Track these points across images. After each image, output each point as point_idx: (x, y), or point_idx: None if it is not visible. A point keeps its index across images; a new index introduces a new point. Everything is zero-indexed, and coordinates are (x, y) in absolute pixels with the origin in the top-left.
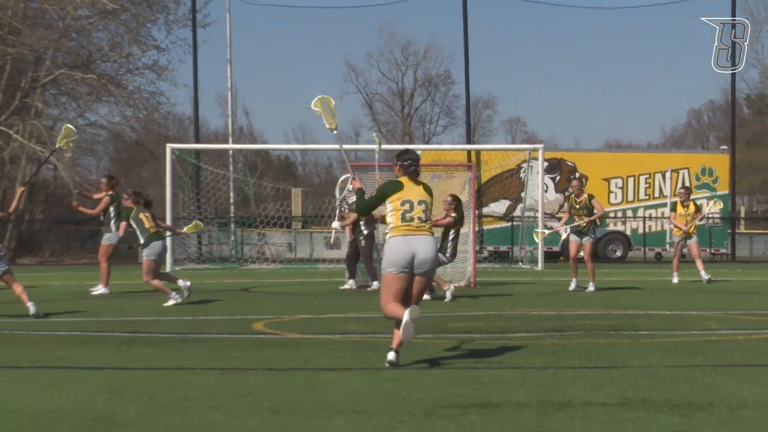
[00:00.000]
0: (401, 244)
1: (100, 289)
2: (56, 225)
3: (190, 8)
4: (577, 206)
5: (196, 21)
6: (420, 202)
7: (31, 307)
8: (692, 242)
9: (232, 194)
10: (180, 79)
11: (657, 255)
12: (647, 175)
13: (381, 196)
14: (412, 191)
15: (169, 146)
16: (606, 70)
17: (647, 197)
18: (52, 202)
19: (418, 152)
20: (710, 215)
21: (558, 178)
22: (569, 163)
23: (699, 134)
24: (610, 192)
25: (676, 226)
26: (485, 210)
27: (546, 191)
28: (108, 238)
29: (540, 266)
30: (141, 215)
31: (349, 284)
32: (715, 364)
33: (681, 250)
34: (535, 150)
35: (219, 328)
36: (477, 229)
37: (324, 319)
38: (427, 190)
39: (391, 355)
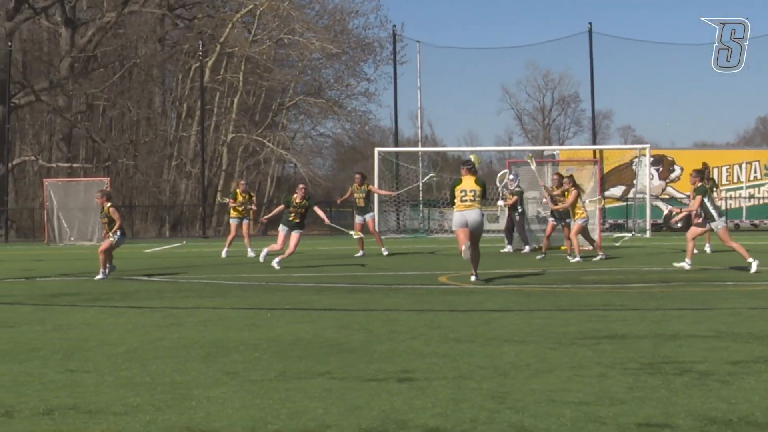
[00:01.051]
0: (458, 215)
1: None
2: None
3: (391, 51)
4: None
5: (396, 59)
6: (471, 191)
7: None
8: None
9: (420, 183)
10: (384, 101)
11: (735, 225)
12: (728, 166)
13: (451, 188)
14: (467, 184)
15: (377, 150)
16: (695, 89)
17: (728, 183)
18: (291, 191)
19: (556, 152)
20: None
21: (661, 169)
22: (669, 158)
23: (765, 135)
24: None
25: None
26: (606, 193)
27: (652, 179)
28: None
29: (648, 234)
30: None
31: (507, 248)
32: None
33: None
34: (644, 149)
35: (414, 281)
36: (601, 207)
37: (489, 273)
38: (479, 182)
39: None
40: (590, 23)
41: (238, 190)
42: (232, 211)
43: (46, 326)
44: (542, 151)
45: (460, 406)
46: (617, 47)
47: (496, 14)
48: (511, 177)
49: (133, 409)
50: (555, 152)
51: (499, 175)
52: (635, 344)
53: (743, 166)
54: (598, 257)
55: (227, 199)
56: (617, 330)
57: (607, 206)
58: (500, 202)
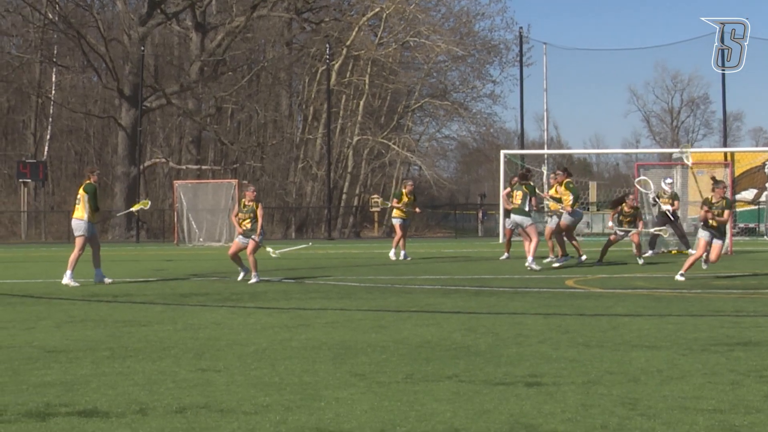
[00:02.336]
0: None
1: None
2: (432, 209)
3: (517, 53)
4: None
5: (522, 61)
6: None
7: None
8: None
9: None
10: (509, 103)
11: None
12: None
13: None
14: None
15: (502, 152)
16: None
17: None
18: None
19: (687, 153)
20: None
21: None
22: None
23: None
24: None
25: None
26: (737, 196)
27: None
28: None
29: None
30: None
31: (649, 253)
32: None
33: None
34: None
35: (540, 284)
36: (732, 211)
37: (617, 277)
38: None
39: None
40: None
41: (404, 191)
42: (395, 212)
43: (177, 325)
44: (670, 153)
45: (589, 412)
46: (752, 47)
47: (624, 15)
48: (668, 180)
49: (263, 408)
50: (685, 154)
51: (636, 180)
52: None
53: None
54: (549, 259)
55: (390, 202)
56: (751, 336)
57: (738, 210)
58: (665, 207)
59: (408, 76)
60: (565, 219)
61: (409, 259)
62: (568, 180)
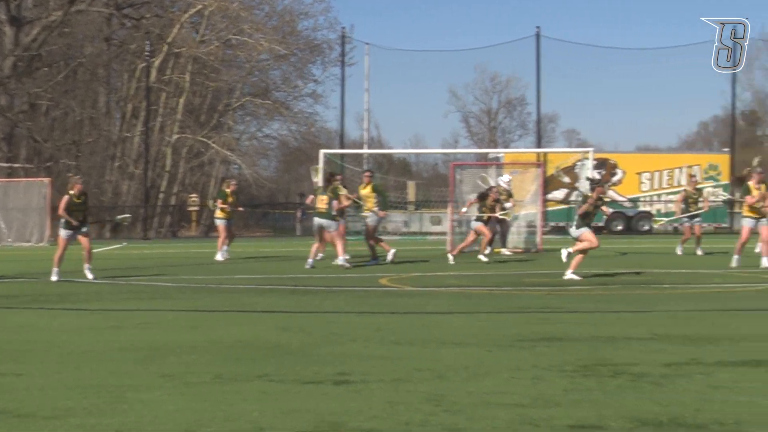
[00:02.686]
0: None
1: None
2: (251, 208)
3: (340, 53)
4: (694, 196)
5: (344, 61)
6: None
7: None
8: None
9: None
10: (331, 103)
11: (674, 228)
12: (668, 170)
13: None
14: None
15: (321, 151)
16: (638, 93)
17: (668, 186)
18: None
19: (500, 154)
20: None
21: (603, 172)
22: (612, 162)
23: (706, 140)
24: (641, 182)
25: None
26: (549, 196)
27: None
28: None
29: None
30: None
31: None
32: (720, 308)
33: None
34: (587, 152)
35: (355, 283)
36: (543, 209)
37: (431, 276)
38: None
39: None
40: (538, 27)
41: (227, 191)
42: (219, 212)
43: None
44: (486, 154)
45: (395, 409)
46: (564, 51)
47: (446, 17)
48: (507, 179)
49: (63, 413)
50: (500, 155)
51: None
52: (572, 347)
53: (684, 169)
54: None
55: (217, 202)
56: (555, 332)
57: (549, 209)
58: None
59: (230, 75)
60: (370, 220)
61: (224, 258)
62: (373, 182)
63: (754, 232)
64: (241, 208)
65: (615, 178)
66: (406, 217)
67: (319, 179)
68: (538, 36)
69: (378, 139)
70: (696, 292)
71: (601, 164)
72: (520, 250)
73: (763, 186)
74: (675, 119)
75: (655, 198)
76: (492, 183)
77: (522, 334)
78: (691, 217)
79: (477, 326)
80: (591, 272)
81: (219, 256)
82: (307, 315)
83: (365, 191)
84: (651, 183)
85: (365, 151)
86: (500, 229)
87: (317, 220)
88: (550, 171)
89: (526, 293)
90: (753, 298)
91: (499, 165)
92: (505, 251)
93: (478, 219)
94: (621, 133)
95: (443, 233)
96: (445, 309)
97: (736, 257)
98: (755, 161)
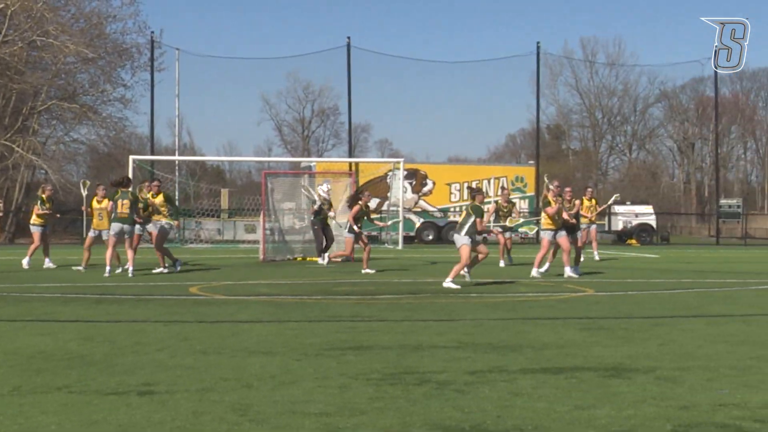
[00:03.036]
0: None
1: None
2: (60, 214)
3: (149, 57)
4: (505, 209)
5: (154, 66)
6: None
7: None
8: (593, 228)
9: (177, 193)
10: (141, 108)
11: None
12: (477, 181)
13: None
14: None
15: (131, 157)
16: (450, 105)
17: None
18: (53, 197)
19: (312, 164)
20: (611, 204)
21: (414, 182)
22: (422, 172)
23: (514, 152)
24: (451, 193)
25: (583, 216)
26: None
27: (405, 192)
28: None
29: (400, 246)
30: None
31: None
32: (524, 317)
33: (587, 234)
34: (398, 162)
35: (165, 291)
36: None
37: (243, 284)
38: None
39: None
40: (348, 37)
41: (43, 196)
42: (35, 218)
43: None
44: (299, 162)
45: (200, 419)
46: (377, 62)
47: (259, 24)
48: (326, 188)
49: None
50: (312, 164)
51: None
52: (380, 355)
53: (492, 181)
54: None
55: (39, 206)
56: (364, 341)
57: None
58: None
59: (35, 77)
60: (156, 229)
61: (28, 266)
62: (163, 191)
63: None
64: (58, 215)
65: (425, 189)
66: (220, 225)
67: (84, 192)
68: (348, 46)
69: (191, 145)
70: (502, 301)
71: (411, 174)
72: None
73: (560, 198)
74: (485, 131)
75: (464, 208)
76: (315, 193)
77: (330, 342)
78: (505, 230)
79: (286, 335)
80: (402, 281)
81: (25, 263)
82: (114, 324)
83: (157, 200)
84: (460, 194)
85: (176, 158)
86: (325, 237)
87: (118, 226)
88: (363, 180)
89: (337, 302)
90: (555, 307)
91: (311, 174)
92: (321, 261)
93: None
94: (433, 145)
95: (256, 241)
96: (255, 318)
97: (535, 269)
98: (545, 177)
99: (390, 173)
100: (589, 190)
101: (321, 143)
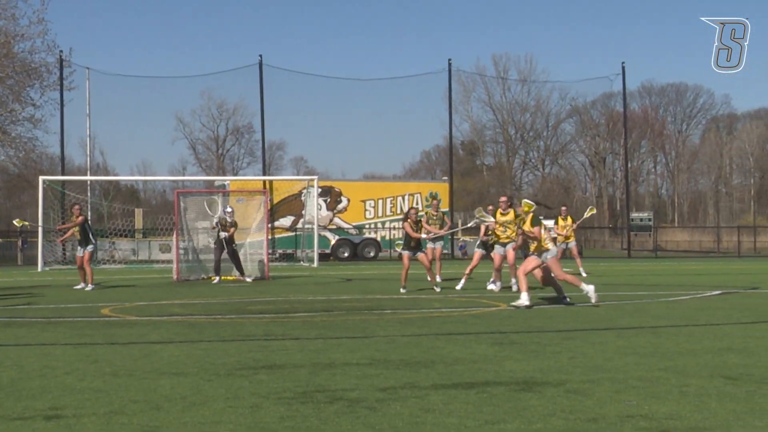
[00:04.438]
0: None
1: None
2: None
3: (58, 77)
4: (435, 218)
5: (63, 86)
6: None
7: None
8: (573, 245)
9: (90, 213)
10: (51, 127)
11: (399, 255)
12: (392, 198)
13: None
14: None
15: (41, 178)
16: (365, 122)
17: (392, 213)
18: None
19: (226, 182)
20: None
21: (329, 200)
22: (337, 189)
23: (429, 168)
24: (365, 210)
25: (559, 234)
26: (276, 223)
27: (320, 209)
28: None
29: (315, 264)
30: None
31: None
32: (437, 332)
33: (562, 252)
34: (312, 179)
35: (75, 314)
36: (270, 237)
37: (156, 305)
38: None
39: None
40: (260, 55)
41: None
42: None
43: None
44: (213, 181)
45: None
46: (291, 79)
47: (172, 42)
48: (229, 210)
49: None
50: (226, 183)
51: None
52: (292, 374)
53: (406, 197)
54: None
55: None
56: (276, 360)
57: (277, 236)
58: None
59: None
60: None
61: None
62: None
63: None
64: None
65: (340, 206)
66: (134, 245)
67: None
68: (261, 64)
69: (104, 165)
70: (415, 317)
71: (326, 192)
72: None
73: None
74: (400, 148)
75: (379, 225)
76: (219, 212)
77: (242, 362)
78: (434, 240)
79: (197, 355)
80: (317, 298)
81: None
82: (21, 348)
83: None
84: (375, 210)
85: (88, 177)
86: (231, 258)
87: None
88: (278, 198)
89: (250, 321)
90: (467, 322)
91: (225, 193)
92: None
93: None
94: (349, 162)
95: (171, 261)
96: (167, 338)
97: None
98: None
99: (304, 191)
100: (564, 209)
101: (236, 161)
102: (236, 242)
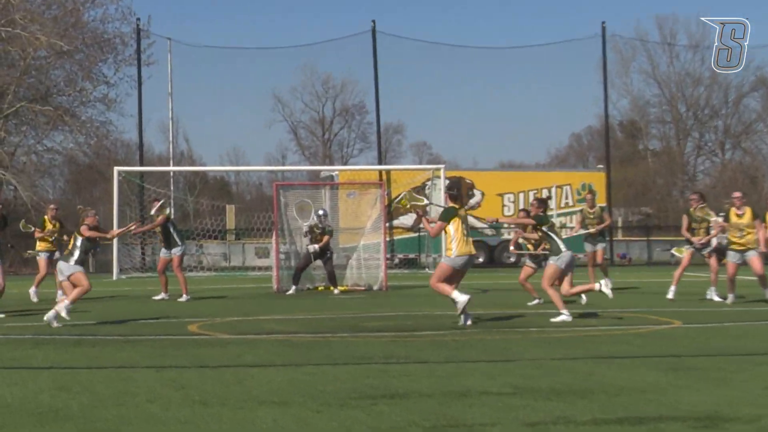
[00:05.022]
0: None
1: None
2: (16, 239)
3: (135, 49)
4: (591, 216)
5: (141, 60)
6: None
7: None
8: (755, 256)
9: (172, 210)
10: (127, 110)
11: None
12: (535, 191)
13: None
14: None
15: (116, 169)
16: (500, 100)
17: None
18: (12, 219)
19: (335, 173)
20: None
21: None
22: (468, 181)
23: (580, 154)
24: (503, 205)
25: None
26: (395, 222)
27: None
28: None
29: None
30: None
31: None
32: (595, 355)
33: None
34: (438, 169)
35: (157, 330)
36: (388, 239)
37: (251, 320)
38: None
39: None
40: (373, 21)
41: (46, 217)
42: (39, 243)
43: None
44: (319, 171)
45: None
46: (410, 49)
47: (267, 9)
48: (321, 213)
49: None
50: (334, 173)
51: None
52: (418, 404)
53: (553, 189)
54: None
55: (32, 228)
56: (398, 387)
57: (396, 237)
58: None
59: (0, 75)
60: None
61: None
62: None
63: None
64: (65, 238)
65: (473, 201)
66: (226, 249)
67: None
68: (374, 31)
69: (189, 154)
70: (567, 336)
71: (455, 184)
72: (361, 288)
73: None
74: (545, 131)
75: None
76: (311, 219)
77: (358, 389)
78: (594, 241)
79: (303, 381)
80: (446, 313)
81: (33, 295)
82: (95, 371)
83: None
84: (515, 206)
85: (171, 168)
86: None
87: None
88: (396, 192)
89: (365, 340)
90: (632, 343)
91: (333, 186)
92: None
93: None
94: (481, 148)
95: (269, 268)
96: (267, 360)
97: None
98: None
99: (429, 183)
100: (738, 196)
101: (345, 148)
102: (346, 245)
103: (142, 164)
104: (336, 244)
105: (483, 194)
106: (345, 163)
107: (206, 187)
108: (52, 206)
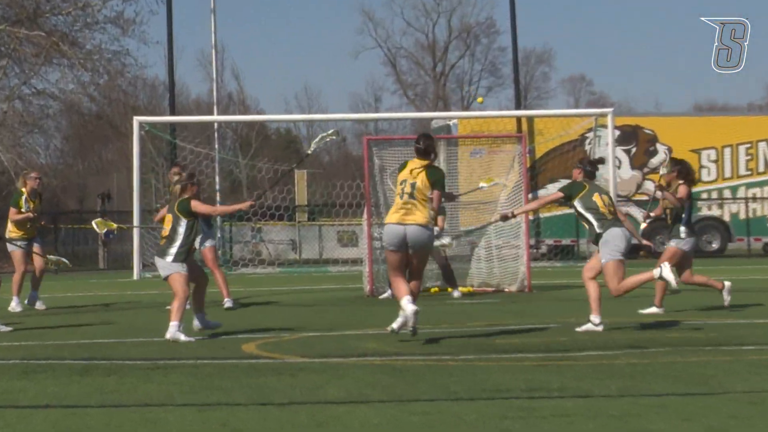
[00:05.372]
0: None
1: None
2: None
3: None
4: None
5: None
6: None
7: None
8: None
9: (218, 179)
10: (151, 34)
11: (766, 246)
12: (748, 145)
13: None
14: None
15: (137, 119)
16: (686, 17)
17: (749, 173)
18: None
19: (453, 122)
20: None
21: (634, 150)
22: (648, 131)
23: None
24: (701, 167)
25: None
26: (541, 192)
27: (619, 167)
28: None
29: None
30: None
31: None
32: None
33: None
34: (604, 115)
35: (199, 352)
36: (532, 217)
37: (334, 336)
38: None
39: None
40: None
41: (24, 189)
42: (10, 229)
43: None
44: (429, 120)
45: None
46: None
47: None
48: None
49: None
50: (451, 123)
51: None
52: None
53: (760, 145)
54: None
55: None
56: None
57: (543, 216)
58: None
59: None
60: None
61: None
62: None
63: None
64: (42, 222)
65: (654, 160)
66: (294, 234)
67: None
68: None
69: (240, 97)
70: None
71: (629, 136)
72: (491, 290)
73: None
74: (761, 57)
75: (727, 194)
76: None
77: None
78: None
79: (412, 424)
80: (618, 322)
81: (15, 305)
82: (110, 411)
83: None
84: (719, 167)
85: (215, 118)
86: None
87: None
88: (542, 150)
89: (499, 364)
90: None
91: (450, 140)
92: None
93: None
94: (665, 86)
95: (359, 261)
96: (357, 395)
97: None
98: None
99: (590, 134)
100: None
101: (467, 86)
102: (469, 228)
103: (173, 112)
104: (455, 227)
105: (670, 150)
106: (467, 108)
107: (266, 144)
108: (33, 175)
